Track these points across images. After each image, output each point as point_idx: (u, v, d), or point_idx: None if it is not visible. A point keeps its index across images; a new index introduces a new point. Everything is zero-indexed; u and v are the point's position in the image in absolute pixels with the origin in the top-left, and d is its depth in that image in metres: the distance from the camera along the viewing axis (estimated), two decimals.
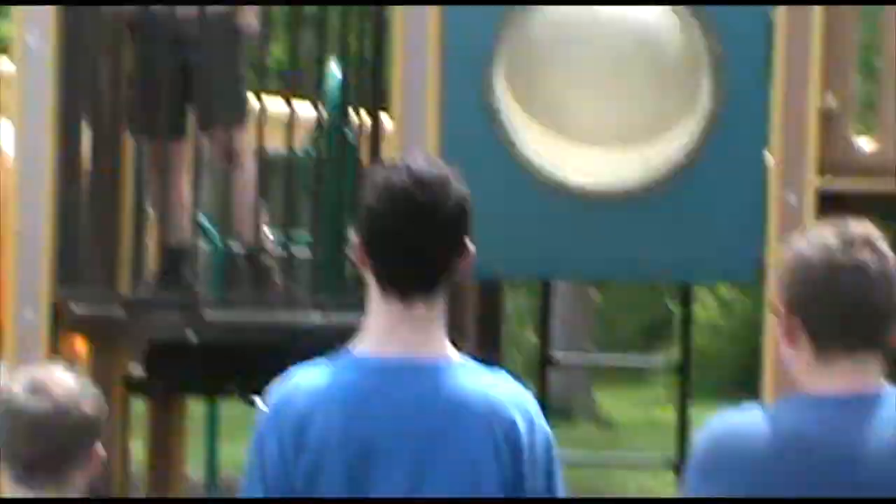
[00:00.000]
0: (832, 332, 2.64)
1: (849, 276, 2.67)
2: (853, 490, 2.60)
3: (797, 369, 2.56)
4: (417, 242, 2.94)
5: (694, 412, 7.47)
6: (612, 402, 20.59)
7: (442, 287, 2.94)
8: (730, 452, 2.66)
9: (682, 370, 8.17)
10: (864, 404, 2.63)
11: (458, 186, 2.95)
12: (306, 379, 2.86)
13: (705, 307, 21.08)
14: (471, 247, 2.98)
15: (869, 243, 2.73)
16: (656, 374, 16.71)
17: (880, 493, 2.59)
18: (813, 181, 6.24)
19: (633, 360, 20.80)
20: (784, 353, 2.68)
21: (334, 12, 7.59)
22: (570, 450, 8.49)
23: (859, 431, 2.58)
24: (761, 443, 2.66)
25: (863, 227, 2.82)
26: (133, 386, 8.35)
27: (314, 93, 7.59)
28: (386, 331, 2.89)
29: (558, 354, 10.17)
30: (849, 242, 2.73)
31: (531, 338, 9.60)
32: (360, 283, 3.36)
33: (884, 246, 2.73)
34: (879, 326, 2.63)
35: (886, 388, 2.63)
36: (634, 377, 19.86)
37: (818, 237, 2.72)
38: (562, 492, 2.93)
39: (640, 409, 20.50)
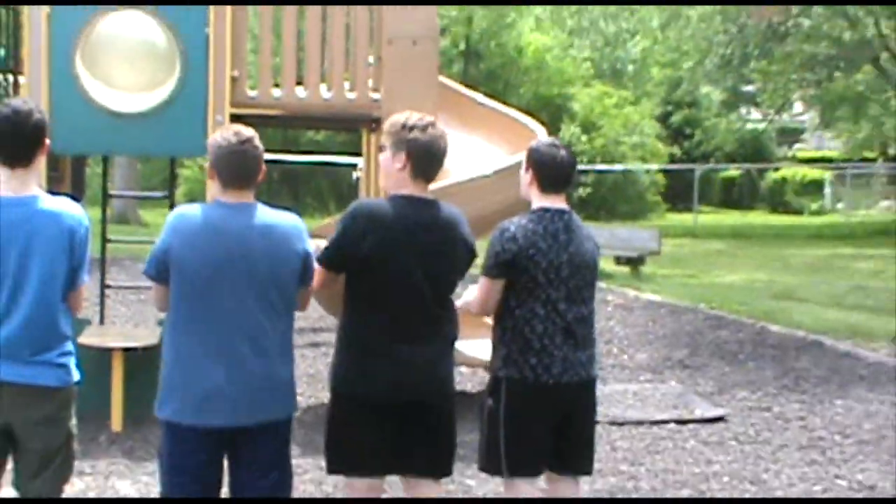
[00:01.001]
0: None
1: (238, 149, 4.96)
2: None
3: None
4: (17, 143, 4.95)
5: None
6: None
7: (36, 159, 4.96)
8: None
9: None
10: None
11: (39, 115, 5.00)
12: None
13: None
14: (47, 142, 5.01)
15: (248, 137, 5.02)
16: None
17: None
18: (228, 109, 9.25)
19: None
20: None
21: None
22: None
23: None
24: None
25: (244, 129, 5.07)
26: None
27: None
28: (7, 183, 4.89)
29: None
30: (239, 134, 5.03)
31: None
32: None
33: (251, 136, 5.06)
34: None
35: None
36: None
37: (227, 131, 5.05)
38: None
39: None
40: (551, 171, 5.67)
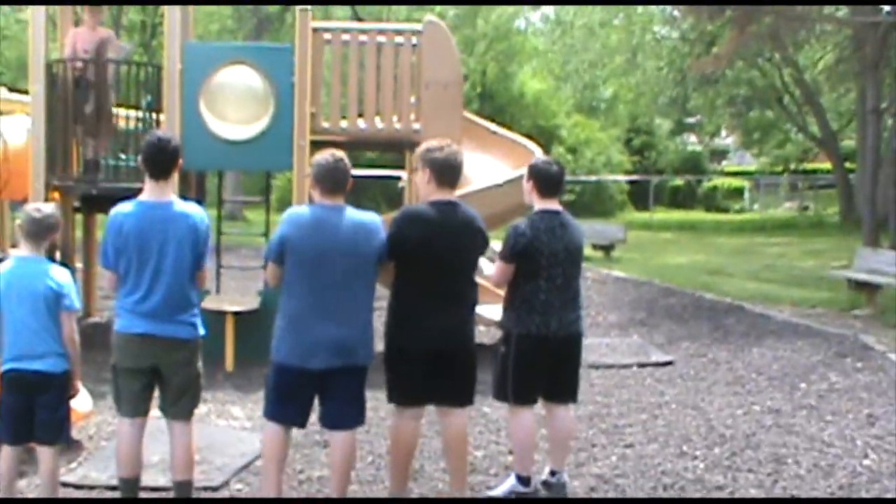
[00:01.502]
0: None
1: (333, 166, 5.04)
2: None
3: None
4: (161, 162, 5.04)
5: None
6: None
7: (173, 173, 5.09)
8: None
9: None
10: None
11: (175, 142, 5.14)
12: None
13: None
14: (181, 161, 5.11)
15: (341, 157, 5.11)
16: None
17: None
18: (308, 136, 9.32)
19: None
20: None
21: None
22: None
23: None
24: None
25: (337, 152, 5.12)
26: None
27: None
28: (150, 191, 5.01)
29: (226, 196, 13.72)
30: (335, 154, 5.11)
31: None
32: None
33: (343, 156, 5.09)
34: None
35: None
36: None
37: (326, 153, 5.07)
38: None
39: None
40: (547, 181, 5.70)
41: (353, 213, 5.06)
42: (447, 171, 5.33)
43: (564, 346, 5.66)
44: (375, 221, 5.12)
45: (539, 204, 5.70)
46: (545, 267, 5.53)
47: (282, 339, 4.99)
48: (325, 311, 4.92)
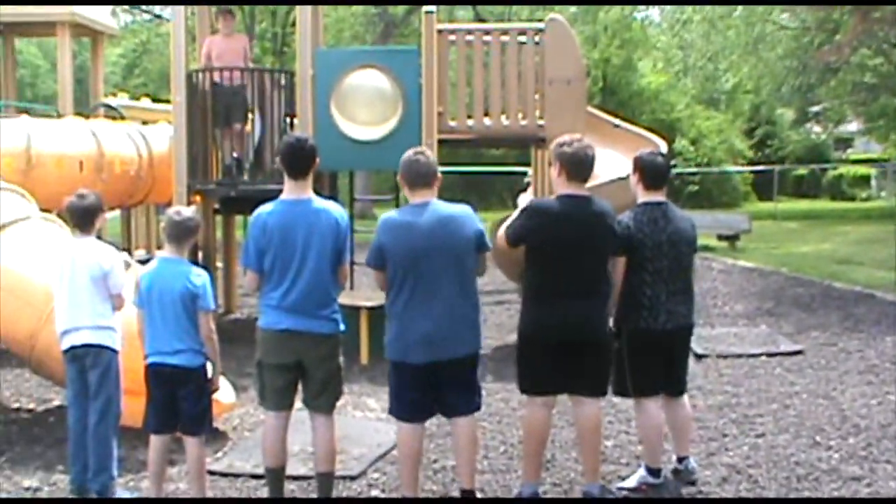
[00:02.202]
0: None
1: (413, 159, 5.00)
2: None
3: None
4: (300, 162, 5.06)
5: None
6: None
7: (310, 172, 5.09)
8: None
9: None
10: None
11: (312, 142, 5.16)
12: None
13: None
14: (317, 160, 5.10)
15: (420, 150, 5.10)
16: None
17: None
18: (435, 135, 9.30)
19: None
20: None
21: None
22: None
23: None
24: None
25: (416, 149, 5.14)
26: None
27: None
28: (290, 190, 5.03)
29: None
30: (415, 150, 5.05)
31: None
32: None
33: (423, 150, 5.08)
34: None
35: None
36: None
37: (408, 152, 5.07)
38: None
39: None
40: (653, 173, 5.60)
41: (441, 207, 5.00)
42: (577, 165, 5.27)
43: (675, 337, 5.57)
44: (466, 212, 5.05)
45: (643, 196, 5.61)
46: (649, 259, 5.44)
47: (390, 338, 5.04)
48: (423, 307, 4.91)
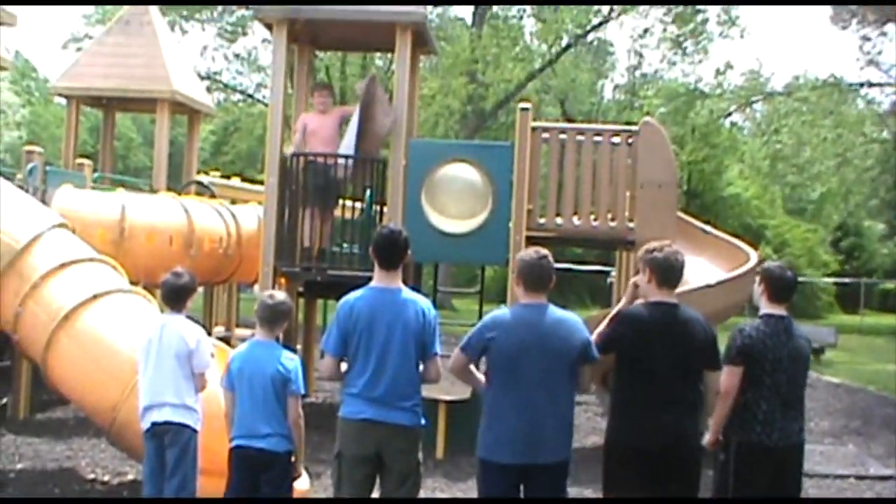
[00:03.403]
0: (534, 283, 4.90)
1: (537, 263, 4.99)
2: None
3: None
4: (393, 253, 5.11)
5: None
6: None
7: (401, 263, 5.14)
8: None
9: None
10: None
11: (405, 234, 5.18)
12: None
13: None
14: (409, 252, 5.17)
15: (545, 254, 5.07)
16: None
17: None
18: (524, 232, 9.34)
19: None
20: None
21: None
22: None
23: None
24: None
25: (541, 249, 5.09)
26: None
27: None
28: (380, 279, 5.07)
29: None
30: (539, 252, 5.10)
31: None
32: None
33: (547, 254, 5.07)
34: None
35: None
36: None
37: (530, 250, 5.14)
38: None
39: None
40: (780, 287, 5.45)
41: (554, 311, 4.97)
42: (667, 272, 5.20)
43: (786, 456, 5.34)
44: (577, 320, 5.01)
45: (766, 308, 5.46)
46: (769, 373, 5.27)
47: (482, 434, 4.95)
48: (520, 407, 4.83)
